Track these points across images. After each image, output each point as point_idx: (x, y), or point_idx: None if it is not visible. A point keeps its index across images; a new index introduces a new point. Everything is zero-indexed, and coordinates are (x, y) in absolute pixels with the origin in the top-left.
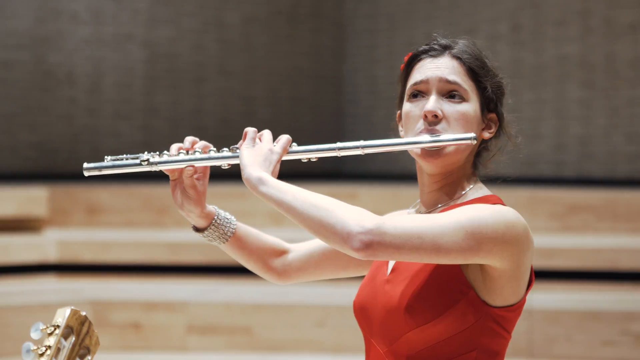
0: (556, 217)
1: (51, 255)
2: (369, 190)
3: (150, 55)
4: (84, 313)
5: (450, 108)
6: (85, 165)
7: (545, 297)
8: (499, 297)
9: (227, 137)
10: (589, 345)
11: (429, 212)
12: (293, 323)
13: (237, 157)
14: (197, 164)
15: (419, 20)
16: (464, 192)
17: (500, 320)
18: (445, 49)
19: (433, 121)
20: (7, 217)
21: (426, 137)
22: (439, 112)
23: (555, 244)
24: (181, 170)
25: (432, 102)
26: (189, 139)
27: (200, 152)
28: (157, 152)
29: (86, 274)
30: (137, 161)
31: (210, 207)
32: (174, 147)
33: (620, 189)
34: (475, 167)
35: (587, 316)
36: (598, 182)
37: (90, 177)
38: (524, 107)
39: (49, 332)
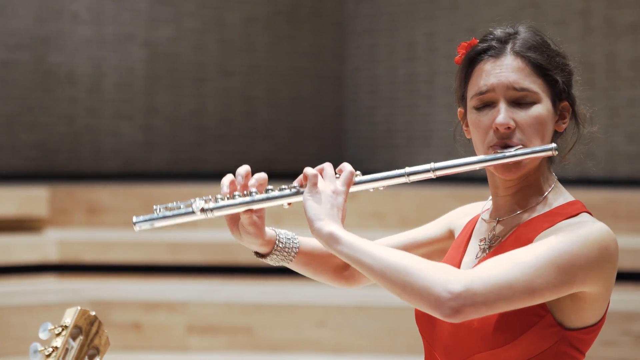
0: None
1: (52, 255)
2: (370, 191)
3: (150, 55)
4: (93, 313)
5: (522, 115)
6: (135, 219)
7: None
8: (578, 319)
9: (227, 137)
10: None
11: (504, 219)
12: (293, 323)
13: (299, 194)
14: (256, 207)
15: (420, 20)
16: (542, 197)
17: (577, 343)
18: (505, 44)
19: (506, 133)
20: (8, 217)
21: (502, 154)
22: (512, 123)
23: None
24: (238, 214)
25: (502, 115)
26: (241, 172)
27: (256, 192)
28: (210, 197)
29: (87, 274)
30: (191, 209)
31: (270, 231)
32: (226, 181)
33: (621, 189)
34: (552, 162)
35: None
36: (598, 182)
37: (92, 177)
38: None
39: (56, 332)
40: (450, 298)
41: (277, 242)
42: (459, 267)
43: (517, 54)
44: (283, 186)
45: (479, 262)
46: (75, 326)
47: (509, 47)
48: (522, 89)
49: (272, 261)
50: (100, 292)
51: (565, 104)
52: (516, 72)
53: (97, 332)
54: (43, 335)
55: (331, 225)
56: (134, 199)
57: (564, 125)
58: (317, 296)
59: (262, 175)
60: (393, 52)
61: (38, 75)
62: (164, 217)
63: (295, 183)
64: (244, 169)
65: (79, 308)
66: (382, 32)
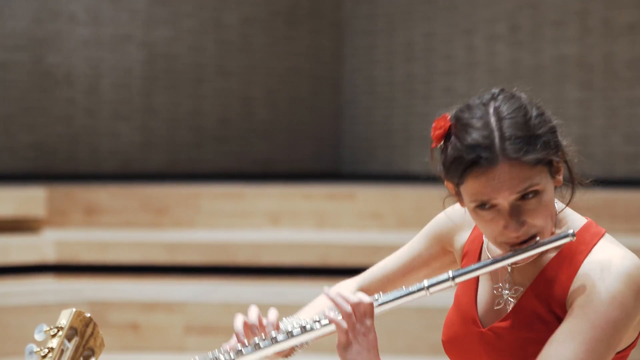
0: None
1: (49, 255)
2: (368, 191)
3: (148, 56)
4: (88, 314)
5: (530, 209)
6: None
7: None
8: (625, 341)
9: (225, 138)
10: None
11: (519, 265)
12: None
13: (325, 327)
14: (281, 348)
15: (418, 21)
16: (552, 233)
17: None
18: (492, 149)
19: (519, 235)
20: (6, 218)
21: (521, 251)
22: (521, 231)
23: None
24: None
25: (513, 225)
26: (253, 319)
27: (278, 333)
28: (228, 347)
29: (84, 274)
30: None
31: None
32: (239, 325)
33: (619, 189)
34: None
35: None
36: (596, 183)
37: (90, 177)
38: None
39: (52, 333)
40: None
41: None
42: (475, 306)
43: (510, 159)
44: (304, 323)
45: (509, 315)
46: (71, 327)
47: (498, 153)
48: (523, 190)
49: (297, 353)
50: (98, 293)
51: (559, 160)
52: (515, 179)
53: (92, 333)
54: (39, 337)
55: None
56: (131, 200)
57: (561, 178)
58: (315, 296)
59: (275, 316)
60: (391, 52)
61: (36, 76)
62: None
63: (317, 318)
64: (255, 314)
65: (74, 310)
66: (380, 32)
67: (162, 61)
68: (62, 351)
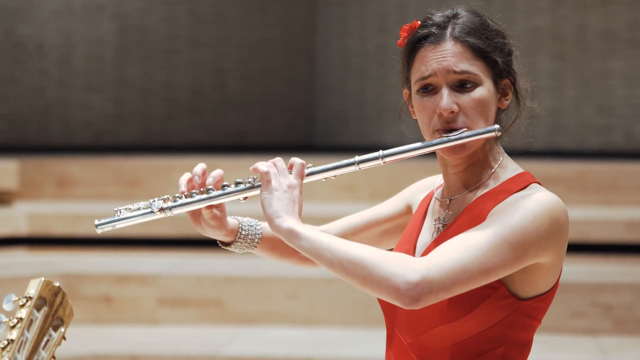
0: None
1: (22, 228)
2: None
3: (121, 27)
4: (57, 284)
5: (464, 98)
6: (96, 222)
7: None
8: (531, 289)
9: (198, 109)
10: (558, 316)
11: (456, 197)
12: (265, 296)
13: (256, 188)
14: (214, 202)
15: None
16: (492, 171)
17: (531, 311)
18: (444, 29)
19: (450, 117)
20: None
21: (447, 137)
22: (455, 107)
23: None
24: (199, 209)
25: (445, 100)
26: (198, 171)
27: (213, 189)
28: (169, 196)
29: (57, 247)
30: (150, 210)
31: (233, 220)
32: (184, 180)
33: (591, 161)
34: (498, 137)
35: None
36: (569, 154)
37: (62, 150)
38: None
39: (21, 303)
40: (409, 288)
41: (239, 230)
42: (414, 246)
43: (456, 39)
44: (239, 180)
45: (434, 241)
46: (40, 297)
47: (448, 32)
48: (463, 72)
49: (236, 249)
50: (71, 265)
51: (507, 81)
52: (456, 56)
53: (61, 303)
54: (7, 307)
55: (290, 221)
56: (104, 172)
57: (507, 102)
58: (288, 269)
59: (219, 172)
60: (364, 24)
61: (7, 47)
62: (125, 219)
63: (250, 177)
64: (200, 167)
65: (43, 279)
66: (353, 4)
67: (135, 32)
68: (31, 321)
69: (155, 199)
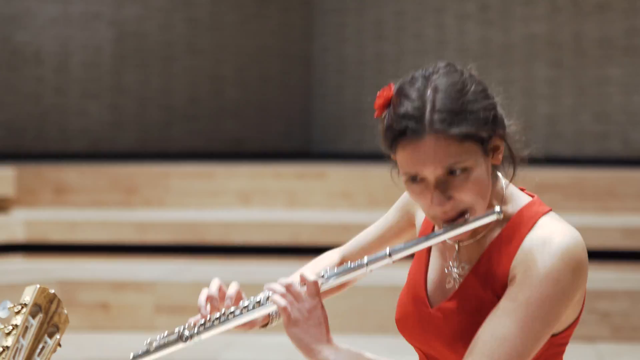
0: None
1: (19, 235)
2: (338, 170)
3: (118, 34)
4: (52, 291)
5: (457, 185)
6: (131, 355)
7: None
8: (562, 324)
9: (195, 116)
10: None
11: (465, 244)
12: None
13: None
14: (238, 323)
15: (388, 0)
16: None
17: (563, 340)
18: (421, 121)
19: (447, 208)
20: None
21: (450, 228)
22: (448, 205)
23: None
24: None
25: (437, 199)
26: (214, 293)
27: (236, 309)
28: (192, 322)
29: (54, 253)
30: (180, 339)
31: None
32: (203, 302)
33: (588, 168)
34: (497, 172)
35: None
36: (565, 161)
37: (59, 157)
38: (492, 87)
39: (16, 310)
40: None
41: (270, 315)
42: (424, 285)
43: (437, 132)
44: (258, 299)
45: (454, 294)
46: (35, 304)
47: (426, 124)
48: (449, 166)
49: (275, 324)
50: (68, 272)
51: (496, 139)
52: (439, 153)
53: (56, 310)
54: (2, 314)
55: (324, 352)
56: (101, 179)
57: (501, 156)
58: (285, 275)
59: (235, 289)
60: (361, 31)
61: (4, 53)
62: (157, 350)
63: (268, 292)
64: (216, 286)
65: (38, 286)
66: (350, 11)
67: (132, 39)
68: (27, 328)
69: (182, 326)
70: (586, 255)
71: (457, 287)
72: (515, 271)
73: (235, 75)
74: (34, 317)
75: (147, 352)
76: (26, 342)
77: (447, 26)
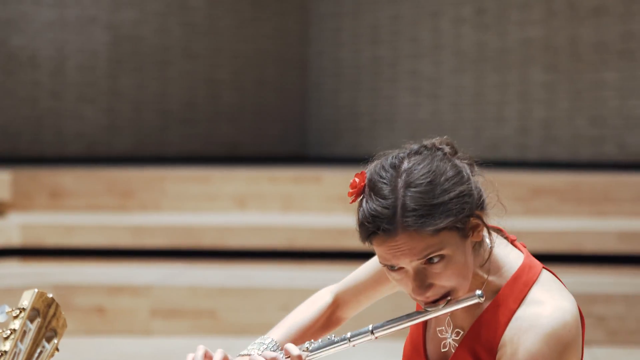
0: (520, 200)
1: (14, 239)
2: (334, 174)
3: (114, 38)
4: (50, 295)
5: (436, 272)
6: None
7: None
8: None
9: (191, 120)
10: None
11: (457, 314)
12: (258, 306)
13: None
14: None
15: (384, 3)
16: (488, 275)
17: None
18: (392, 220)
19: (428, 296)
20: None
21: (433, 310)
22: (428, 293)
23: (519, 227)
24: None
25: (418, 289)
26: (199, 356)
27: None
28: None
29: (50, 258)
30: None
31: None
32: None
33: (584, 172)
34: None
35: None
36: (561, 165)
37: (55, 161)
38: (488, 91)
39: (14, 315)
40: None
41: None
42: (424, 348)
43: (408, 229)
44: None
45: (442, 351)
46: (33, 308)
47: (398, 224)
48: (425, 256)
49: None
50: (64, 276)
51: (473, 219)
52: (413, 247)
53: (54, 314)
54: (0, 318)
55: None
56: (97, 183)
57: (481, 233)
58: (281, 279)
59: (220, 357)
60: (357, 35)
61: (0, 58)
62: None
63: None
64: (201, 352)
65: (37, 290)
66: (346, 15)
67: (128, 43)
68: (25, 332)
69: None
70: (578, 330)
71: (452, 352)
72: (502, 351)
73: (231, 79)
74: (32, 321)
75: None
76: (24, 347)
77: (443, 30)
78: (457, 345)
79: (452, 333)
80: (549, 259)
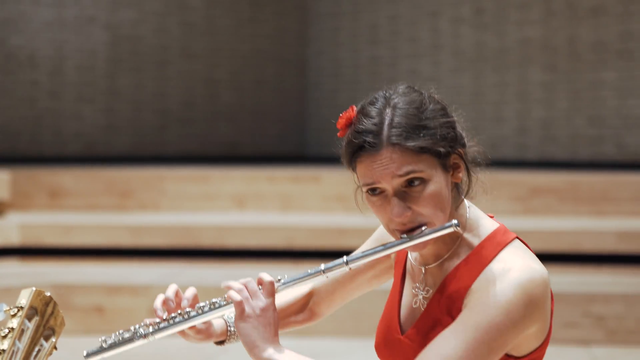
0: (518, 200)
1: (14, 238)
2: (333, 174)
3: (112, 37)
4: (48, 294)
5: (416, 197)
6: (85, 353)
7: None
8: (524, 348)
9: (190, 120)
10: None
11: (430, 267)
12: None
13: (231, 304)
14: (193, 323)
15: (383, 3)
16: (459, 240)
17: None
18: (379, 135)
19: (406, 219)
20: None
21: (407, 239)
22: (407, 213)
23: (518, 226)
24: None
25: (396, 209)
26: (171, 295)
27: (192, 311)
28: (148, 321)
29: (49, 257)
30: (136, 337)
31: (220, 322)
32: (159, 305)
33: (582, 171)
34: (458, 196)
35: None
36: (560, 165)
37: (54, 160)
38: (487, 90)
39: (12, 313)
40: None
41: (228, 329)
42: (398, 310)
43: (394, 145)
44: (214, 300)
45: (420, 319)
46: (31, 307)
47: (384, 138)
48: (407, 173)
49: (229, 344)
50: (63, 276)
51: (455, 156)
52: (396, 162)
53: (52, 312)
54: None
55: (267, 350)
56: (96, 183)
57: (461, 175)
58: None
59: (192, 292)
60: (356, 35)
61: None
62: (112, 347)
63: (226, 295)
64: (172, 289)
65: (34, 289)
66: (345, 15)
67: (127, 43)
68: (23, 331)
69: (137, 325)
70: (545, 291)
71: (422, 310)
72: (470, 297)
73: (230, 79)
74: (30, 320)
75: (101, 350)
76: (22, 345)
77: (441, 30)
78: (427, 302)
79: (424, 290)
80: (548, 258)
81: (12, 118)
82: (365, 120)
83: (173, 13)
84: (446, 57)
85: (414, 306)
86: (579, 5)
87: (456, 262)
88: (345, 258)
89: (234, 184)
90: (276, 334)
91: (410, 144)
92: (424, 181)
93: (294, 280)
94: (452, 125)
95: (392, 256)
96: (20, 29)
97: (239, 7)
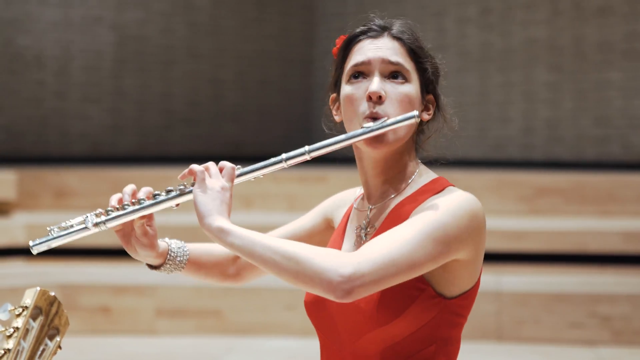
0: (524, 200)
1: (20, 238)
2: (338, 174)
3: (119, 38)
4: (52, 293)
5: (393, 89)
6: (31, 243)
7: (513, 280)
8: (456, 288)
9: (195, 120)
10: (556, 327)
11: (377, 206)
12: (262, 306)
13: (187, 194)
14: (147, 212)
15: (388, 3)
16: (410, 180)
17: (458, 309)
18: (384, 29)
19: (377, 102)
20: None
21: (369, 127)
22: (383, 93)
23: (523, 226)
24: (132, 223)
25: (376, 84)
26: (127, 191)
27: (145, 200)
28: (101, 210)
29: (55, 257)
30: (85, 226)
31: (162, 243)
32: (114, 199)
33: (588, 172)
34: (417, 151)
35: (554, 298)
36: (566, 165)
37: (59, 160)
38: (493, 90)
39: (17, 313)
40: (342, 281)
41: (169, 252)
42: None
43: (394, 37)
44: (169, 188)
45: (357, 248)
46: (36, 307)
47: (387, 30)
48: (397, 63)
49: (165, 271)
50: (69, 276)
51: (431, 97)
52: (392, 50)
53: (57, 312)
54: (3, 316)
55: (221, 220)
56: (101, 183)
57: (428, 117)
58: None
59: (148, 189)
60: None
61: (5, 57)
62: (60, 237)
63: (181, 185)
64: (130, 187)
65: (39, 288)
66: (351, 15)
67: (132, 43)
68: (27, 330)
69: (88, 214)
70: (484, 217)
71: (363, 241)
72: (417, 210)
73: (235, 79)
74: (34, 319)
75: (50, 239)
76: (27, 345)
77: (447, 30)
78: (371, 237)
79: (369, 227)
80: (553, 258)
81: (18, 118)
82: (370, 20)
83: (179, 13)
84: (452, 57)
85: (355, 243)
86: (585, 5)
87: (402, 198)
88: (307, 147)
89: (240, 184)
90: (229, 215)
91: (409, 42)
92: (405, 80)
93: (255, 169)
94: (438, 69)
95: (334, 222)
96: (27, 29)
97: (244, 8)
